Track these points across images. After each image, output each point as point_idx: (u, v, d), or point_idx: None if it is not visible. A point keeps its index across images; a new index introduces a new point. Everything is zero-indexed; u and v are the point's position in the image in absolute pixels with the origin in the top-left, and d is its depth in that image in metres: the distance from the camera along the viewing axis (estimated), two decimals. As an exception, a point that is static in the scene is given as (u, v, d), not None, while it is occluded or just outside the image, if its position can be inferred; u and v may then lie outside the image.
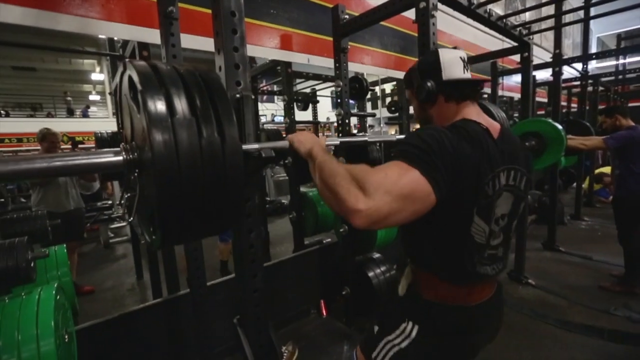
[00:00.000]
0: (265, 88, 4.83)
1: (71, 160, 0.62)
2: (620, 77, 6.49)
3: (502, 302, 0.92)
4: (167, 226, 0.60)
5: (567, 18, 4.18)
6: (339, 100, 2.08)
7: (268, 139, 2.94)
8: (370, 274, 2.21)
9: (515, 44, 2.64)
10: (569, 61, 3.49)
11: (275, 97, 11.55)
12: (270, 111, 11.77)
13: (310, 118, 4.30)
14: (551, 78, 3.44)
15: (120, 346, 1.61)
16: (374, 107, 6.87)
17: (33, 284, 1.24)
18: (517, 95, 5.84)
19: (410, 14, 1.61)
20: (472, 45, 4.21)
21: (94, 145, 2.59)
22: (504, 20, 2.15)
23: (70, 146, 7.62)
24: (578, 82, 4.77)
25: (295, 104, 2.86)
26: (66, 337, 1.19)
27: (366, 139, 1.08)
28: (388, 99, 4.81)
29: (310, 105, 4.10)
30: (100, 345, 1.55)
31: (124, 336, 1.62)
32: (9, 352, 0.93)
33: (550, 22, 3.51)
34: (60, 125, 7.90)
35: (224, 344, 1.95)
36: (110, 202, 4.73)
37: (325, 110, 11.58)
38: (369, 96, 4.02)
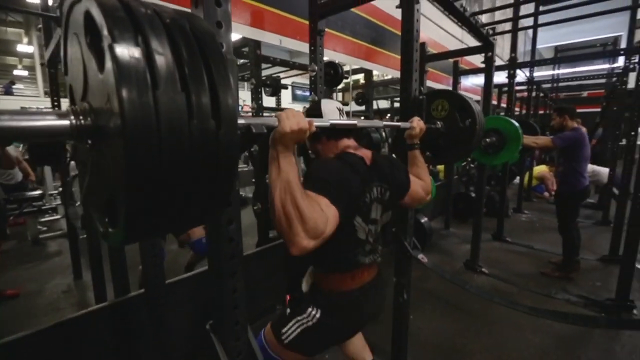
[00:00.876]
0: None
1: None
2: (555, 85, 7.25)
3: (383, 283, 1.22)
4: (135, 216, 0.44)
5: (523, 27, 4.48)
6: (311, 87, 1.98)
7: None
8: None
9: (480, 43, 2.74)
10: (521, 65, 3.74)
11: (239, 84, 11.01)
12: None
13: (274, 106, 4.12)
14: (505, 80, 3.67)
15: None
16: (343, 99, 6.83)
17: None
18: (472, 96, 6.22)
19: (383, 4, 1.55)
20: (436, 43, 4.34)
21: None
22: (475, 18, 2.20)
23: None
24: (523, 87, 5.20)
25: (263, 89, 2.68)
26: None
27: (356, 122, 0.99)
28: (355, 92, 4.80)
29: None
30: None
31: (61, 351, 1.37)
32: None
33: (505, 26, 3.73)
34: (-26, 101, 6.69)
35: (186, 348, 1.77)
36: (40, 191, 4.11)
37: (285, 102, 11.33)
38: (340, 86, 3.95)
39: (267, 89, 3.59)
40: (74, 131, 0.47)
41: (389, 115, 7.85)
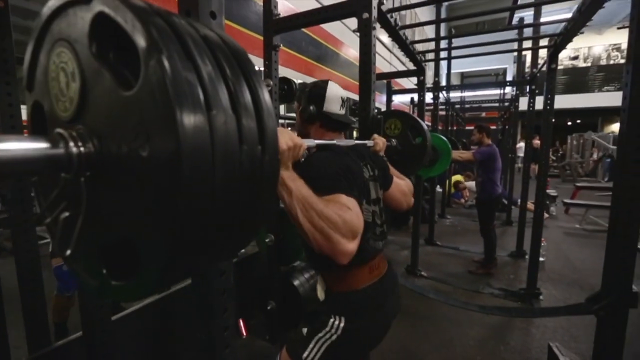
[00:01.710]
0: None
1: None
2: (462, 106, 8.46)
3: (396, 275, 1.16)
4: (173, 259, 0.36)
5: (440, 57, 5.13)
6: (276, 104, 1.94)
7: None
8: (296, 282, 2.12)
9: (411, 67, 3.05)
10: (442, 88, 4.28)
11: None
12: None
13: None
14: (431, 101, 4.14)
15: None
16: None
17: None
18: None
19: (328, 25, 1.64)
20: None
21: None
22: (412, 46, 2.44)
23: None
24: (442, 107, 5.94)
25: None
26: None
27: (335, 142, 1.01)
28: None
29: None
30: None
31: None
32: None
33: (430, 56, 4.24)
34: None
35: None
36: None
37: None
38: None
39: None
40: (74, 162, 0.38)
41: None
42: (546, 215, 5.53)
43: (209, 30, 0.42)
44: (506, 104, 6.84)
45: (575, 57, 13.70)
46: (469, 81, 13.20)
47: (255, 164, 0.41)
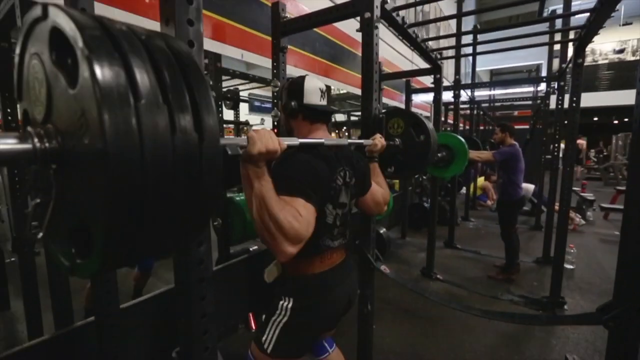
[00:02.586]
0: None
1: None
2: (491, 104, 8.08)
3: (352, 266, 1.24)
4: (116, 241, 0.41)
5: (464, 54, 4.96)
6: (275, 102, 1.99)
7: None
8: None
9: (428, 65, 2.98)
10: (464, 87, 4.13)
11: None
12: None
13: (232, 118, 4.04)
14: (452, 99, 4.02)
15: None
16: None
17: None
18: (424, 112, 6.70)
19: (343, 24, 1.64)
20: (389, 62, 4.62)
21: None
22: (425, 44, 2.40)
23: None
24: (466, 106, 5.73)
25: (223, 102, 2.63)
26: None
27: (323, 141, 1.02)
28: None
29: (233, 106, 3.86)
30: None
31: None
32: None
33: (451, 52, 4.11)
34: None
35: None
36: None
37: (242, 113, 11.14)
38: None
39: (228, 102, 3.52)
40: (38, 155, 0.44)
41: (345, 127, 8.10)
42: (582, 221, 5.18)
43: (155, 36, 0.47)
44: (538, 102, 6.46)
45: (622, 50, 12.61)
46: (498, 79, 12.60)
47: (191, 149, 0.45)
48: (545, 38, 4.39)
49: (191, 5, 0.70)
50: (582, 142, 11.36)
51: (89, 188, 0.42)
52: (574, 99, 2.46)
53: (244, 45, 2.31)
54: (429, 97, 5.85)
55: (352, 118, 7.50)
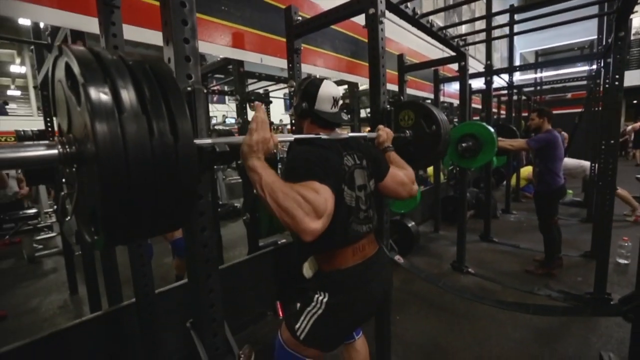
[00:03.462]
0: (216, 88, 4.67)
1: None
2: (538, 88, 7.46)
3: (386, 258, 1.25)
4: (111, 225, 0.54)
5: (497, 34, 4.68)
6: (291, 101, 2.10)
7: (220, 139, 2.86)
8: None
9: (454, 53, 2.89)
10: (498, 72, 3.91)
11: (227, 98, 11.19)
12: (221, 112, 11.37)
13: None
14: (484, 86, 3.83)
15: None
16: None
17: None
18: (456, 102, 6.40)
19: (361, 19, 1.69)
20: (416, 53, 4.51)
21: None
22: (444, 32, 2.34)
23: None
24: (506, 91, 5.38)
25: (247, 104, 2.81)
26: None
27: (320, 136, 1.09)
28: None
29: (264, 107, 4.06)
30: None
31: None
32: None
33: (483, 36, 3.90)
34: (-31, 123, 6.78)
35: (177, 354, 1.84)
36: (35, 210, 4.17)
37: (279, 112, 11.50)
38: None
39: (252, 104, 3.72)
40: (62, 158, 0.58)
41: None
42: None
43: (141, 60, 0.59)
44: (598, 81, 5.84)
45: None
46: (547, 60, 11.46)
47: (167, 149, 0.56)
48: (594, 9, 4.00)
49: (186, 26, 0.82)
50: (636, 125, 10.09)
51: (93, 183, 0.55)
52: (616, 76, 2.24)
53: (263, 50, 2.45)
54: (475, 85, 5.55)
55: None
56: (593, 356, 1.89)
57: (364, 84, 4.13)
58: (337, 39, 3.09)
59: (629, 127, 10.60)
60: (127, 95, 0.53)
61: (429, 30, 2.13)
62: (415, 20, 1.91)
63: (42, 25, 2.38)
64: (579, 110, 6.97)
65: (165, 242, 2.71)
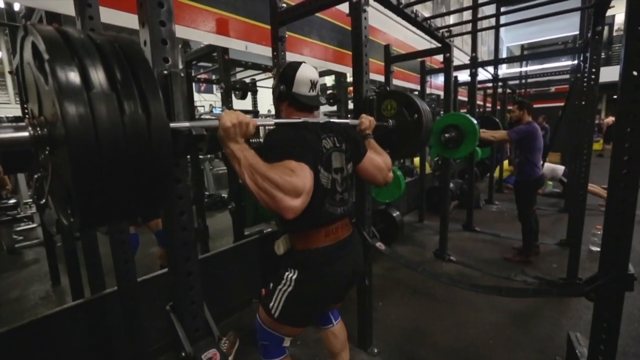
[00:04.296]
0: (202, 76, 4.59)
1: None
2: (523, 81, 7.60)
3: (358, 241, 1.28)
4: (85, 207, 0.54)
5: (485, 26, 4.72)
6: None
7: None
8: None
9: (439, 44, 2.91)
10: (483, 64, 3.96)
11: (214, 88, 10.98)
12: (209, 102, 11.16)
13: (250, 108, 4.20)
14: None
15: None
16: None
17: None
18: (443, 94, 6.47)
19: (346, 7, 1.69)
20: (404, 44, 4.52)
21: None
22: (429, 22, 2.36)
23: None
24: (491, 84, 5.46)
25: (233, 92, 2.78)
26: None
27: (302, 120, 1.10)
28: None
29: (251, 96, 4.01)
30: None
31: (36, 348, 1.44)
32: None
33: (469, 28, 3.94)
34: (-59, 110, 6.47)
35: (160, 342, 1.85)
36: (14, 200, 4.06)
37: (267, 103, 11.38)
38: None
39: (237, 93, 3.68)
40: (33, 141, 0.57)
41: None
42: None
43: (110, 42, 0.58)
44: (578, 75, 5.98)
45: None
46: (530, 53, 11.68)
47: (139, 125, 0.56)
48: (577, 3, 4.07)
49: (162, 9, 0.82)
50: (609, 120, 10.47)
51: (65, 164, 0.54)
52: (593, 70, 2.32)
53: (248, 37, 2.42)
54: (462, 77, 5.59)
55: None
56: (562, 336, 1.99)
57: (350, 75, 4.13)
58: (324, 28, 3.08)
59: (605, 120, 10.97)
60: (96, 73, 0.53)
61: (413, 20, 2.14)
62: (399, 10, 1.92)
63: (16, 7, 2.29)
64: (563, 104, 7.17)
65: (151, 232, 2.70)
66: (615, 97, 2.39)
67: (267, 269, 2.54)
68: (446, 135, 2.68)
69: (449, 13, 2.66)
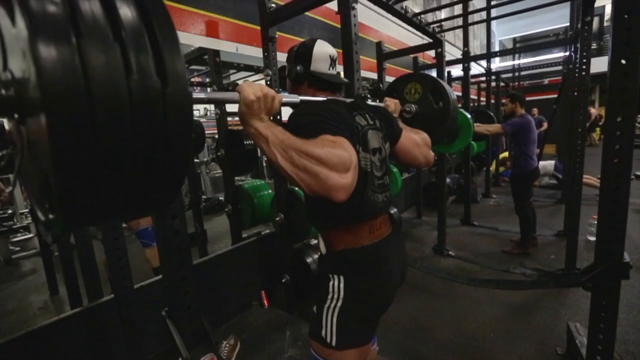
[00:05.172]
0: (194, 80, 4.57)
1: None
2: (517, 74, 7.62)
3: (401, 238, 1.09)
4: (70, 200, 0.39)
5: (475, 20, 4.73)
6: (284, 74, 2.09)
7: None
8: (308, 259, 2.28)
9: (431, 40, 2.91)
10: (475, 58, 3.97)
11: (208, 91, 10.94)
12: (202, 105, 11.11)
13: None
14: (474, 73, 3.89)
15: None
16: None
17: None
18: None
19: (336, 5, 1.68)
20: (397, 41, 4.52)
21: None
22: (419, 17, 2.36)
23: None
24: (485, 78, 5.47)
25: (226, 94, 2.76)
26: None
27: (327, 98, 0.97)
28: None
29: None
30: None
31: (35, 358, 1.42)
32: None
33: (460, 22, 3.94)
34: None
35: (159, 348, 1.84)
36: (10, 211, 4.03)
37: (263, 104, 11.30)
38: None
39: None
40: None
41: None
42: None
43: None
44: (570, 66, 6.01)
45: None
46: (522, 46, 11.75)
47: (151, 95, 0.40)
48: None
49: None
50: (594, 111, 10.50)
51: (42, 139, 0.37)
52: (584, 60, 2.32)
53: (239, 39, 2.41)
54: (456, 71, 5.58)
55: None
56: (562, 327, 2.00)
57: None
58: (315, 27, 3.07)
59: (593, 110, 11.02)
60: (90, 10, 0.37)
61: (403, 17, 2.14)
62: (389, 6, 1.92)
63: None
64: (556, 95, 7.20)
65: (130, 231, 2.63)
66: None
67: (266, 271, 2.53)
68: (440, 130, 2.68)
69: (439, 8, 2.66)
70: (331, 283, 0.91)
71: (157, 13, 0.42)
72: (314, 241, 2.45)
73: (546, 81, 9.80)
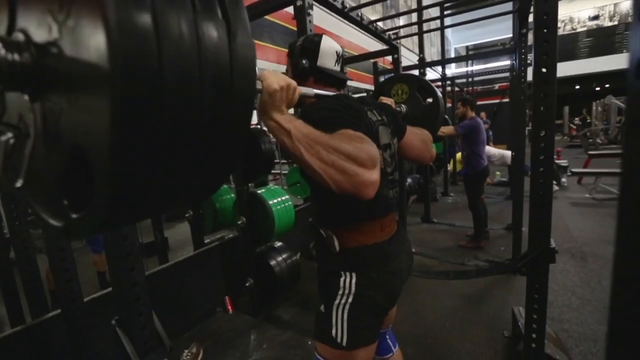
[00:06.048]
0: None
1: None
2: (470, 80, 8.17)
3: (405, 234, 1.09)
4: (124, 187, 0.33)
5: (429, 29, 5.01)
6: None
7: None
8: (272, 262, 2.28)
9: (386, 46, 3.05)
10: (430, 64, 4.21)
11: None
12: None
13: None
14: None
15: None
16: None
17: None
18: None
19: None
20: (357, 46, 4.67)
21: None
22: (375, 25, 2.47)
23: None
24: (440, 83, 5.81)
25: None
26: None
27: (341, 93, 0.99)
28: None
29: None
30: None
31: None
32: None
33: (415, 29, 4.17)
34: None
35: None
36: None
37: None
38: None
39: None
40: (5, 72, 0.33)
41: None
42: (555, 187, 5.37)
43: None
44: (514, 73, 6.55)
45: (596, 17, 12.68)
46: (473, 53, 12.72)
47: (221, 56, 0.37)
48: (509, 6, 4.46)
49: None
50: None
51: (86, 111, 0.32)
52: (522, 68, 2.56)
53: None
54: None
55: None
56: (509, 312, 2.18)
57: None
58: (275, 30, 3.09)
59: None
60: None
61: (359, 23, 2.22)
62: (345, 13, 1.99)
63: None
64: (506, 100, 7.81)
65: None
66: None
67: (230, 277, 2.49)
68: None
69: (396, 15, 2.80)
70: (342, 279, 0.89)
71: None
72: (278, 243, 2.46)
73: (497, 86, 10.58)
